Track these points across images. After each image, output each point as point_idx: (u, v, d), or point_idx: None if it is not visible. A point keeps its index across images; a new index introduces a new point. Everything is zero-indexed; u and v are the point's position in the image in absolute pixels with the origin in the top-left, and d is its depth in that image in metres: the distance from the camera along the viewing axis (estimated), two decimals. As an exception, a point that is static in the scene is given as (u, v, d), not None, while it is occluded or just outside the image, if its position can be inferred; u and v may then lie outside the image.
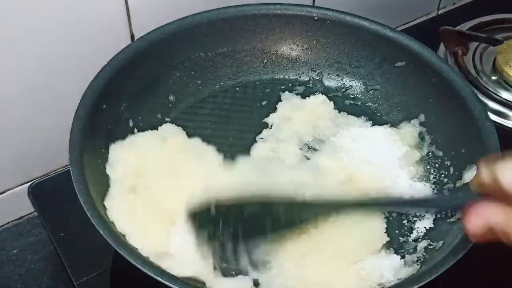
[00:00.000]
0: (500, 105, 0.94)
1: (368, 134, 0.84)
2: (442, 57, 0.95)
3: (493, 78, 0.98)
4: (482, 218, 0.54)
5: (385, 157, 0.81)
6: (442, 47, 1.02)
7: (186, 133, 0.82)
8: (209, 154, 0.79)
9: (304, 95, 0.88)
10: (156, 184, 0.74)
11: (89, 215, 0.64)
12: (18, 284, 0.85)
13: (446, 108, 0.81)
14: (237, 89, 0.89)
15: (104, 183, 0.73)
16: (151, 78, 0.82)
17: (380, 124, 0.85)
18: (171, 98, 0.85)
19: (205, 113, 0.86)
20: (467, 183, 0.75)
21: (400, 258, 0.72)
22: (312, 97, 0.88)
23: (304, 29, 0.88)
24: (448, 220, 0.74)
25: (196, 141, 0.81)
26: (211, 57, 0.87)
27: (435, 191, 0.79)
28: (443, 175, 0.79)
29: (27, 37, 0.75)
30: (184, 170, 0.76)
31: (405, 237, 0.75)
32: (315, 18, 0.87)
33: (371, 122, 0.86)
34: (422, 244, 0.73)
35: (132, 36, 0.84)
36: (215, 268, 0.69)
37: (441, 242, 0.71)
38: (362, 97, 0.89)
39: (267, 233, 0.67)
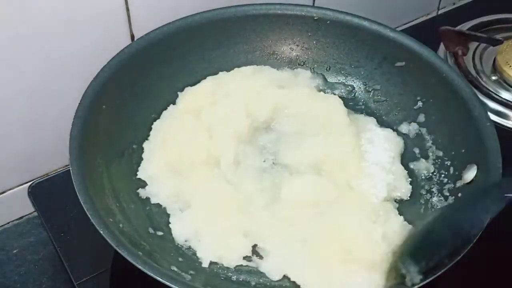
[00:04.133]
0: (500, 105, 0.94)
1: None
2: (442, 57, 0.95)
3: (493, 78, 0.98)
4: None
5: (385, 157, 0.81)
6: (442, 47, 1.02)
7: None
8: None
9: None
10: None
11: (89, 215, 0.64)
12: (18, 284, 0.85)
13: (446, 108, 0.81)
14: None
15: (104, 183, 0.73)
16: (151, 78, 0.82)
17: (381, 124, 0.86)
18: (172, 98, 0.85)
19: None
20: (467, 183, 0.75)
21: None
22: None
23: (304, 29, 0.88)
24: (448, 220, 0.74)
25: None
26: (211, 57, 0.87)
27: (435, 191, 0.79)
28: (443, 175, 0.79)
29: (27, 37, 0.75)
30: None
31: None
32: (315, 18, 0.87)
33: (371, 122, 0.86)
34: (423, 244, 0.73)
35: (132, 36, 0.84)
36: None
37: (441, 242, 0.71)
38: (362, 97, 0.89)
39: None
